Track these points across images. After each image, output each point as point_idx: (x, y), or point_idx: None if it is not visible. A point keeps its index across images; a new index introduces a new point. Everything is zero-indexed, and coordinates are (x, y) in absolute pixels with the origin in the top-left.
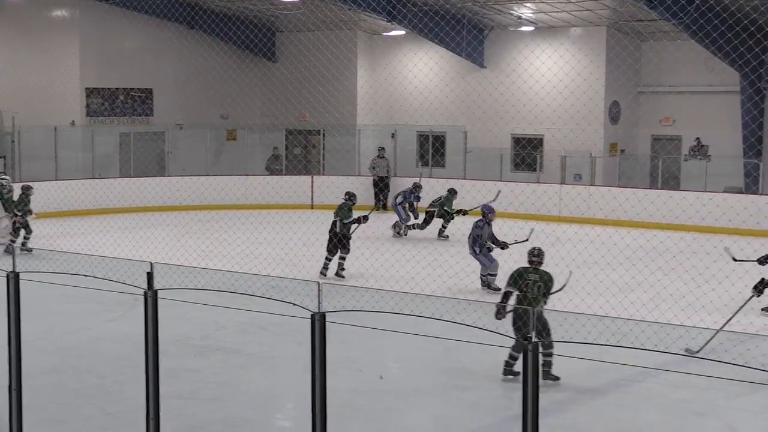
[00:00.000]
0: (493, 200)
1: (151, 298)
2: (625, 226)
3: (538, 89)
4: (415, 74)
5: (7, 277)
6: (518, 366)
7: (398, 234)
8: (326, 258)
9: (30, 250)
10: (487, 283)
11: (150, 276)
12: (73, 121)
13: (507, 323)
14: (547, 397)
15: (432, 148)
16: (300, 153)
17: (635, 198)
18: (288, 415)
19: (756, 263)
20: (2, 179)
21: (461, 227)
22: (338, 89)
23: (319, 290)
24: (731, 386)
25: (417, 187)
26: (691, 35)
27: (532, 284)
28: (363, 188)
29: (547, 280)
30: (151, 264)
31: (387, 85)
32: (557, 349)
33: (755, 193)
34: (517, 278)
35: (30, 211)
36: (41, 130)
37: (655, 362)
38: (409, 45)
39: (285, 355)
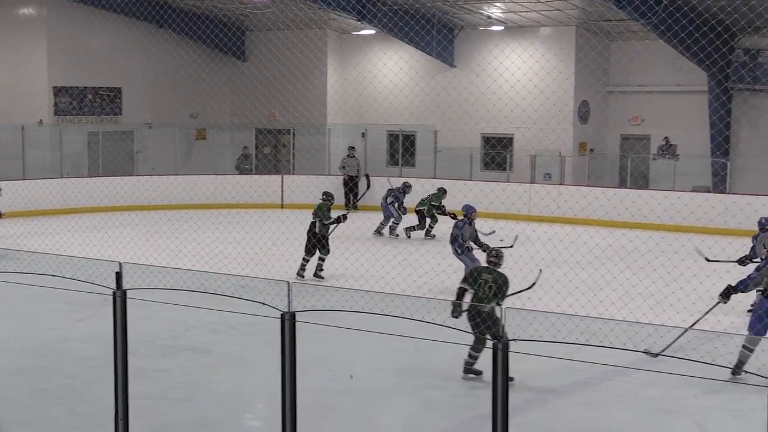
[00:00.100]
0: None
1: (119, 298)
2: (595, 225)
3: (508, 89)
4: (385, 73)
5: None
6: (479, 364)
7: (395, 234)
8: (303, 259)
9: None
10: None
11: (119, 276)
12: (40, 120)
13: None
14: (516, 396)
15: (402, 148)
16: (270, 152)
17: (604, 197)
18: (258, 414)
19: (737, 264)
20: None
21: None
22: (308, 88)
23: (289, 290)
24: (699, 384)
25: (407, 186)
26: (659, 35)
27: (484, 284)
28: (333, 187)
29: (500, 282)
30: (120, 264)
31: (357, 84)
32: (526, 347)
33: (722, 192)
34: (472, 277)
35: None
36: (8, 128)
37: (625, 361)
38: (379, 44)
39: (255, 354)
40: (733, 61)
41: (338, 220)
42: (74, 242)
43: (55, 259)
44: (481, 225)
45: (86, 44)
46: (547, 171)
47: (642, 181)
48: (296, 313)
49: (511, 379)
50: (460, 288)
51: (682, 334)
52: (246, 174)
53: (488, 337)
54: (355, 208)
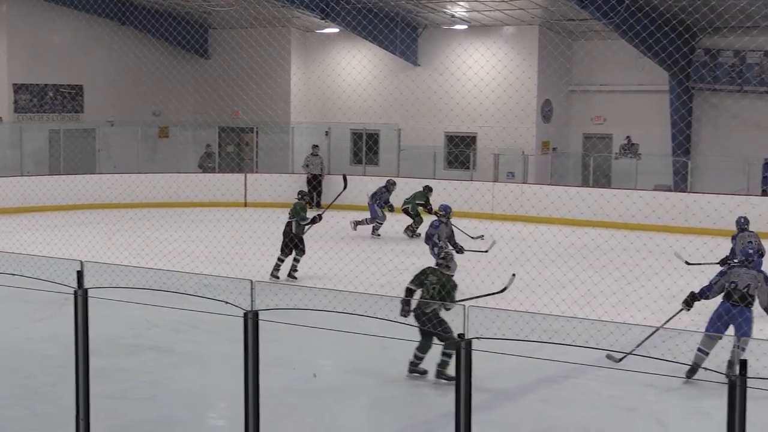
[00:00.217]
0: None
1: (81, 297)
2: (557, 223)
3: (471, 87)
4: (349, 72)
5: None
6: (424, 364)
7: (377, 234)
8: (279, 259)
9: None
10: None
11: (80, 275)
12: (0, 117)
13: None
14: (480, 395)
15: (366, 146)
16: (233, 150)
17: (567, 196)
18: (221, 414)
19: (718, 264)
20: None
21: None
22: (272, 87)
23: (252, 288)
24: (661, 381)
25: (391, 184)
26: (621, 35)
27: (429, 285)
28: (297, 186)
29: (445, 284)
30: (82, 263)
31: (321, 82)
32: (489, 345)
33: (684, 191)
34: (419, 279)
35: None
36: None
37: (588, 359)
38: (343, 43)
39: (218, 353)
40: (694, 61)
41: (314, 220)
42: (35, 241)
43: (16, 258)
44: (472, 229)
45: (47, 41)
46: (510, 170)
47: (604, 180)
48: (259, 312)
49: (452, 378)
50: (407, 288)
51: (642, 342)
52: (209, 172)
53: (434, 339)
54: (319, 206)
